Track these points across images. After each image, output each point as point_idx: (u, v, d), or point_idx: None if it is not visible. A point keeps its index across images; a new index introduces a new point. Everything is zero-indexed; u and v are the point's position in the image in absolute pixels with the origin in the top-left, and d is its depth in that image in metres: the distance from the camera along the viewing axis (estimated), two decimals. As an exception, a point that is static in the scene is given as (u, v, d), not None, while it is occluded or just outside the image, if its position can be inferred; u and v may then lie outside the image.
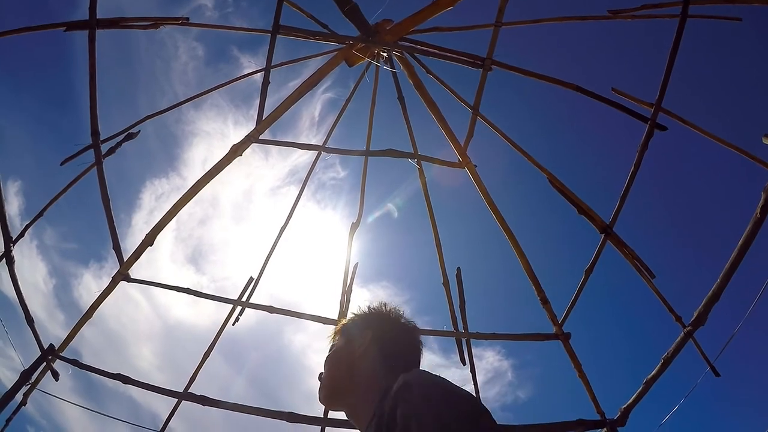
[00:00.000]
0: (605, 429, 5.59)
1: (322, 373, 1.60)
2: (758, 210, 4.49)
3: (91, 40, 4.94)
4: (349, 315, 1.72)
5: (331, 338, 1.70)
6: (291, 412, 5.65)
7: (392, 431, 1.08)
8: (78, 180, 5.35)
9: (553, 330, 6.10)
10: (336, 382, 1.54)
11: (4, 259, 4.98)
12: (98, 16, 4.93)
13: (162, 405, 5.72)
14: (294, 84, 6.29)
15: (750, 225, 4.55)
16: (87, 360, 5.58)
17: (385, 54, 6.24)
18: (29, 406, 5.21)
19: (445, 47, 5.96)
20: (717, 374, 5.08)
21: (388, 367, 1.48)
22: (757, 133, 4.41)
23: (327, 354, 1.64)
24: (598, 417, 5.70)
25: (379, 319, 1.62)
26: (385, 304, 1.67)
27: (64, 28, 4.79)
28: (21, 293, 5.13)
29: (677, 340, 5.17)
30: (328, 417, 5.87)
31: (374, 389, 1.41)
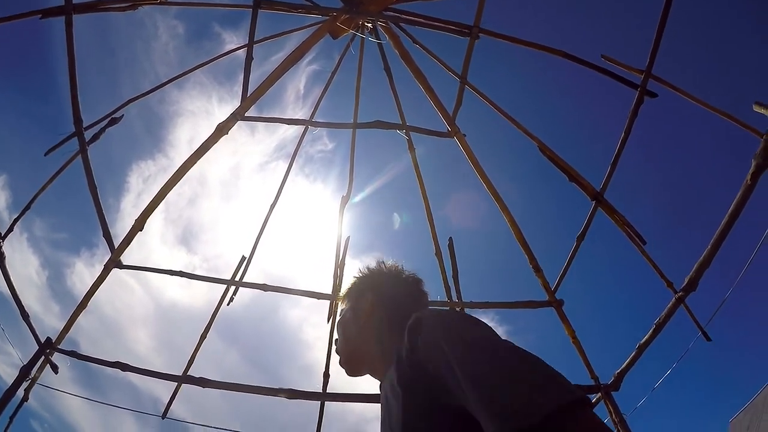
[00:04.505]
0: (599, 393, 5.71)
1: (337, 340, 1.63)
2: (748, 177, 4.50)
3: (68, 25, 4.76)
4: (351, 279, 1.72)
5: (340, 305, 1.72)
6: (290, 389, 5.73)
7: (416, 364, 1.10)
8: (63, 170, 5.26)
9: (546, 297, 6.17)
10: (350, 349, 1.57)
11: (-6, 255, 4.93)
12: (74, 1, 4.76)
13: (162, 389, 5.78)
14: (277, 58, 6.17)
15: (740, 192, 4.57)
16: (85, 348, 5.62)
17: (369, 25, 6.09)
18: (31, 400, 5.23)
19: (431, 16, 5.84)
20: (708, 339, 5.17)
21: (395, 323, 1.48)
22: (748, 99, 4.38)
23: (338, 322, 1.67)
24: (592, 382, 5.82)
25: (377, 279, 1.64)
26: (382, 262, 1.68)
27: (40, 15, 4.63)
28: (14, 289, 5.09)
29: (669, 305, 5.24)
30: (327, 392, 5.98)
31: (386, 347, 1.45)
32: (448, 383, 0.99)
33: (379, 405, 1.41)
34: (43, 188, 5.25)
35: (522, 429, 0.78)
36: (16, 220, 5.13)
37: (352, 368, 1.57)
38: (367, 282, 1.65)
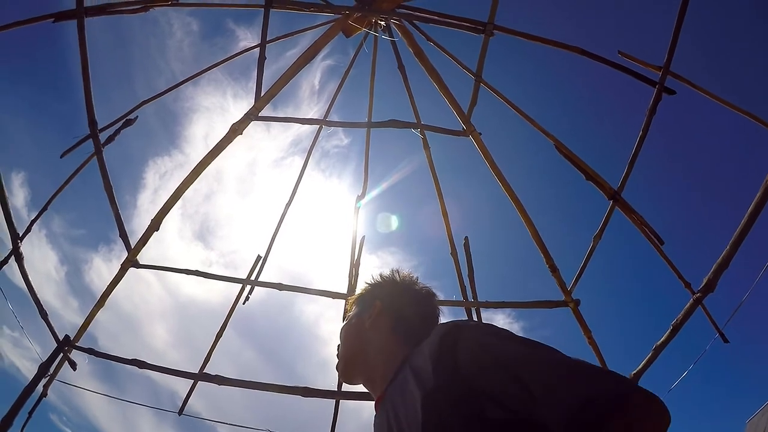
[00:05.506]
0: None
1: (339, 345, 1.61)
2: (768, 176, 4.41)
3: (81, 28, 4.80)
4: (363, 285, 1.69)
5: (348, 310, 1.70)
6: (305, 387, 5.75)
7: (450, 372, 1.07)
8: (79, 171, 5.31)
9: (563, 297, 6.10)
10: (349, 354, 1.55)
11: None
12: (86, 4, 4.79)
13: (180, 383, 5.84)
14: (292, 54, 6.15)
15: (760, 191, 4.47)
16: (103, 344, 5.72)
17: (383, 23, 6.05)
18: (50, 395, 5.34)
19: (444, 13, 5.77)
20: (726, 340, 5.09)
21: (401, 336, 1.47)
22: (768, 97, 4.28)
23: (342, 326, 1.64)
24: (608, 383, 5.74)
25: (389, 289, 1.60)
26: (397, 272, 1.64)
27: (53, 19, 4.67)
28: (33, 288, 5.18)
29: (686, 306, 5.15)
30: (342, 390, 5.98)
31: (388, 359, 1.42)
32: (496, 388, 1.00)
33: (375, 417, 1.38)
34: (59, 190, 5.32)
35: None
36: (33, 221, 5.21)
37: (348, 375, 1.55)
38: (378, 290, 1.61)
